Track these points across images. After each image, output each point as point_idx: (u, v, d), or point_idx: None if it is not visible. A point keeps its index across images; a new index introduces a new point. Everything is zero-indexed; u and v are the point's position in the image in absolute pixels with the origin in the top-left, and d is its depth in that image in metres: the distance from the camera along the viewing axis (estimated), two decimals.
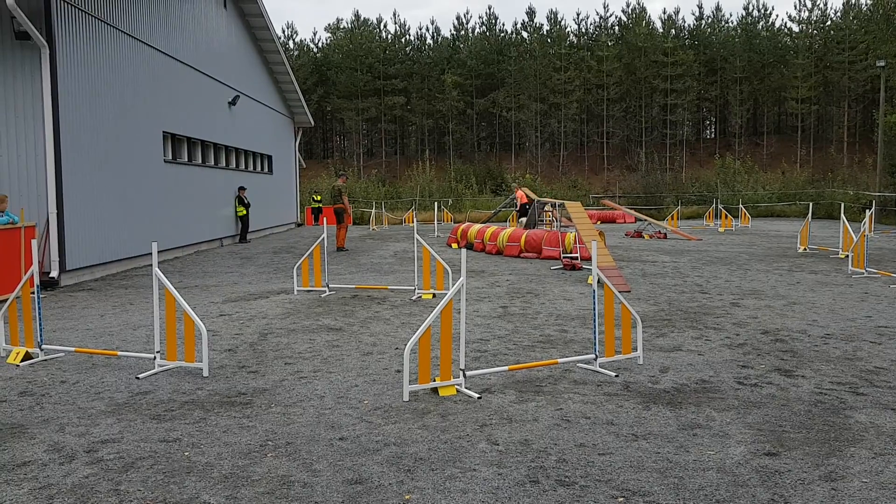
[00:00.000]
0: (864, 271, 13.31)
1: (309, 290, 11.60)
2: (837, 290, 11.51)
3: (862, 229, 13.74)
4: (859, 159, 53.75)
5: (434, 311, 5.75)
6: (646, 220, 25.74)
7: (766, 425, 5.05)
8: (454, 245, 20.52)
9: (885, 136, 35.20)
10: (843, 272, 13.72)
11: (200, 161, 20.21)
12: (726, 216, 29.63)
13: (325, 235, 11.80)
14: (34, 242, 6.82)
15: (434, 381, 5.84)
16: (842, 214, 16.42)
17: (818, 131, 68.94)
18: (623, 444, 4.72)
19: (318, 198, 35.41)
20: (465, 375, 5.92)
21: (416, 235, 11.34)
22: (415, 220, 14.12)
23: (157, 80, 16.96)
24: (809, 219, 19.18)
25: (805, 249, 18.18)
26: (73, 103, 13.15)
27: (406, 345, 5.79)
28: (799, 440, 4.75)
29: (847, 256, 14.56)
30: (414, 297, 10.90)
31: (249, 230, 23.39)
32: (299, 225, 32.91)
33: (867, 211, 16.82)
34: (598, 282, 6.61)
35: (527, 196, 23.70)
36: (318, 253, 11.71)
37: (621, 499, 3.92)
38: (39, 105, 12.41)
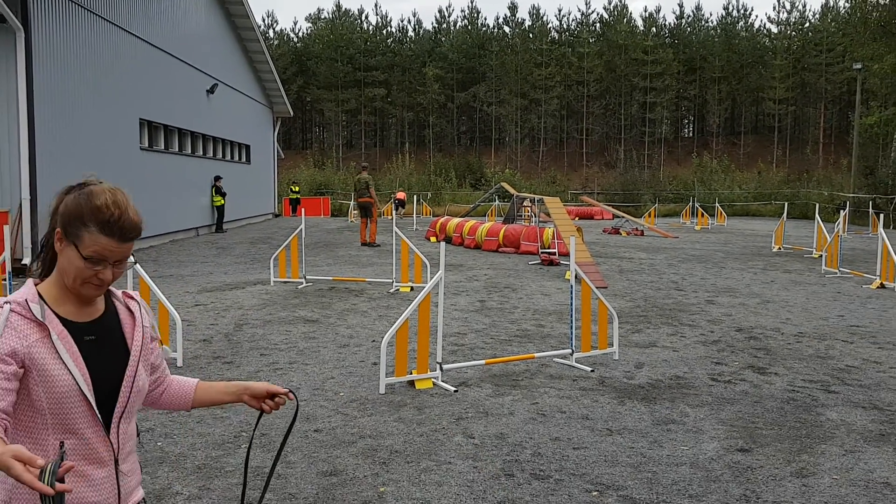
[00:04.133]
0: (837, 271, 13.50)
1: (286, 282, 11.53)
2: (811, 289, 11.66)
3: (836, 230, 13.94)
4: (834, 160, 54.54)
5: (412, 304, 5.75)
6: (623, 217, 25.89)
7: (739, 421, 5.10)
8: (433, 239, 20.49)
9: (860, 138, 35.70)
10: (816, 272, 13.91)
11: (177, 149, 19.98)
12: (703, 214, 29.89)
13: (302, 226, 11.74)
14: (6, 229, 6.71)
15: (411, 373, 5.83)
16: (816, 215, 16.64)
17: (794, 132, 69.78)
18: (598, 438, 4.75)
19: (297, 188, 35.21)
20: (441, 369, 5.93)
21: (394, 228, 11.32)
22: (393, 212, 14.07)
23: (135, 66, 16.74)
24: (784, 218, 19.40)
25: (779, 249, 18.40)
26: (49, 88, 12.94)
27: (383, 337, 5.78)
28: (771, 437, 4.81)
29: (821, 256, 14.76)
30: (392, 290, 10.88)
31: (226, 220, 23.20)
32: (277, 215, 32.70)
33: (841, 211, 17.07)
34: (576, 277, 6.64)
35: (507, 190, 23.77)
36: (296, 244, 11.64)
37: (595, 493, 3.94)
38: (13, 89, 12.19)
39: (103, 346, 1.71)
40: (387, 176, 49.96)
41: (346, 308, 9.43)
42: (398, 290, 10.91)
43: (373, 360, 6.66)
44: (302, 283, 11.39)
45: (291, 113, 32.87)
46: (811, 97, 67.99)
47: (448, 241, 19.36)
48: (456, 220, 20.32)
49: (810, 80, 66.92)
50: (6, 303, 1.63)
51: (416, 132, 74.76)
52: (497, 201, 31.70)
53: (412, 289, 10.91)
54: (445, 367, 6.04)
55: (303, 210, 12.41)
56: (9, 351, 1.58)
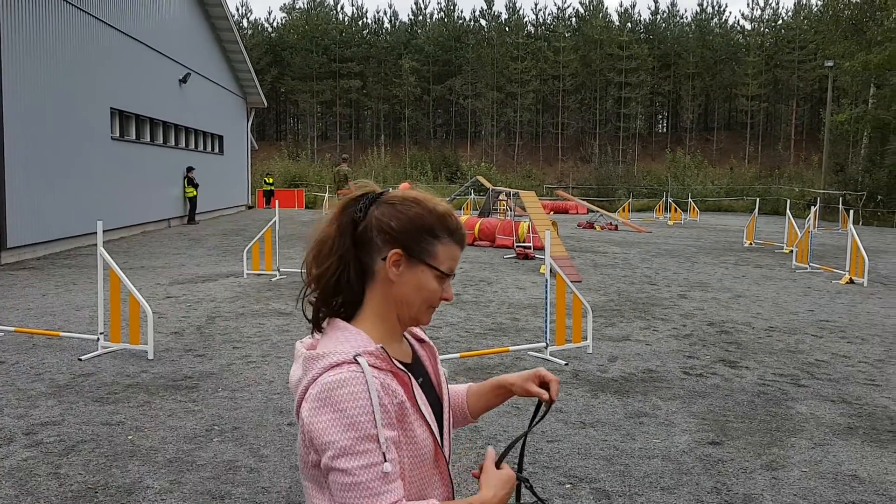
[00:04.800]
0: (807, 266, 13.71)
1: (259, 274, 11.45)
2: (781, 284, 11.83)
3: (806, 226, 14.14)
4: (805, 157, 55.28)
5: None
6: (598, 212, 26.04)
7: (710, 415, 5.16)
8: None
9: (831, 136, 36.20)
10: (787, 267, 14.11)
11: (149, 139, 19.73)
12: (676, 209, 30.16)
13: (276, 218, 11.66)
14: None
15: None
16: (787, 211, 16.87)
17: (767, 128, 70.60)
18: (571, 431, 4.78)
19: (270, 180, 34.95)
20: None
21: None
22: None
23: (106, 55, 16.47)
24: (756, 214, 19.65)
25: (751, 244, 18.64)
26: (17, 76, 12.68)
27: None
28: (742, 430, 4.87)
29: (791, 252, 14.97)
30: None
31: (198, 211, 22.97)
32: (250, 207, 32.44)
33: (812, 208, 17.29)
34: (551, 271, 6.66)
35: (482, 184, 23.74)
36: (269, 236, 11.56)
37: (568, 485, 3.97)
38: None
39: (425, 390, 1.42)
40: (362, 168, 49.72)
41: None
42: None
43: None
44: (275, 275, 11.32)
45: (265, 104, 32.58)
46: (783, 94, 68.82)
47: None
48: None
49: (783, 77, 67.73)
50: (356, 356, 1.29)
51: (392, 125, 74.52)
52: (473, 195, 31.71)
53: None
54: None
55: (276, 202, 12.33)
56: (391, 416, 1.28)
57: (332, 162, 52.86)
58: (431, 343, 1.55)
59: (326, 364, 1.29)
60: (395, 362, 1.33)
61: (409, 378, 1.34)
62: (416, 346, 1.51)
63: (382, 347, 1.32)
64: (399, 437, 1.29)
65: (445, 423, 1.45)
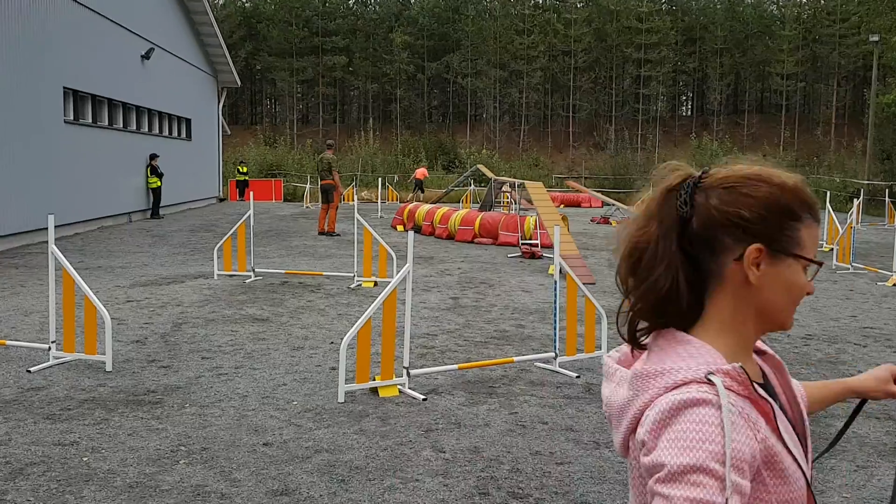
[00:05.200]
0: (849, 266, 13.74)
1: (231, 275, 11.45)
2: (821, 286, 11.85)
3: (849, 220, 14.16)
4: (847, 143, 55.29)
5: (375, 301, 5.74)
6: (614, 205, 26.07)
7: None
8: (400, 227, 20.47)
9: (877, 119, 36.22)
10: (827, 267, 14.13)
11: (107, 123, 19.71)
12: None
13: (251, 212, 11.65)
14: None
15: (374, 379, 5.83)
16: (827, 204, 16.88)
17: (804, 111, 70.70)
18: (583, 452, 4.78)
19: (244, 169, 34.92)
20: (408, 374, 5.93)
21: (356, 215, 11.28)
22: (355, 197, 14.05)
23: (59, 27, 16.45)
24: None
25: None
26: None
27: (342, 339, 5.76)
28: None
29: (832, 250, 15.00)
30: (353, 285, 10.86)
31: (163, 204, 22.95)
32: (222, 200, 32.44)
33: (855, 200, 17.33)
34: (560, 272, 6.67)
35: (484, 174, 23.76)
36: (243, 232, 11.56)
37: None
38: None
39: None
40: (348, 156, 49.74)
41: (301, 305, 9.39)
42: (360, 285, 10.90)
43: (331, 364, 6.64)
44: (250, 276, 11.32)
45: (239, 83, 32.56)
46: (823, 72, 68.92)
47: (417, 230, 19.35)
48: (426, 207, 20.30)
49: (822, 54, 67.82)
50: (709, 375, 1.15)
51: (382, 107, 74.53)
52: (472, 186, 31.74)
53: (376, 284, 10.89)
54: (413, 372, 6.04)
55: (251, 194, 12.34)
56: (746, 457, 1.11)
57: (314, 149, 52.87)
58: (775, 355, 1.41)
59: (669, 382, 1.16)
60: (756, 387, 1.18)
61: (772, 406, 1.20)
62: (758, 360, 1.37)
63: (741, 367, 1.17)
64: (756, 487, 1.16)
65: (809, 455, 1.32)
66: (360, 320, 5.65)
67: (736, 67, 71.45)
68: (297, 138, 65.37)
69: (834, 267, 13.98)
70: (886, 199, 26.92)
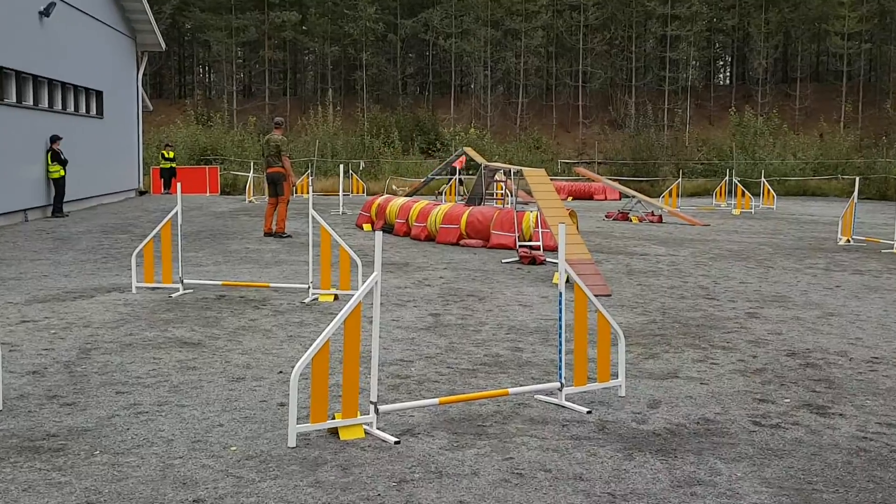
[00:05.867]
0: None
1: (154, 288, 11.39)
2: (891, 297, 11.93)
3: None
4: None
5: (335, 320, 5.72)
6: (634, 198, 26.16)
7: (790, 481, 5.20)
8: (367, 227, 20.44)
9: None
10: None
11: None
12: (744, 193, 30.37)
13: (179, 208, 11.60)
14: None
15: (333, 418, 5.81)
16: None
17: (870, 79, 71.22)
18: None
19: (171, 154, 34.82)
20: (377, 411, 5.91)
21: (311, 211, 11.25)
22: (311, 189, 14.01)
23: None
24: (855, 199, 19.78)
25: (849, 241, 18.78)
26: None
27: (294, 367, 5.74)
28: (835, 502, 4.91)
29: None
30: (307, 300, 10.83)
31: (67, 199, 22.83)
32: (143, 193, 32.29)
33: None
34: (567, 281, 6.68)
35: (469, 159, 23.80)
36: (169, 234, 11.50)
37: None
38: None
39: None
40: (301, 137, 49.70)
41: (242, 326, 9.35)
42: (316, 299, 10.87)
43: (279, 399, 6.61)
44: (178, 289, 11.27)
45: (164, 46, 32.45)
46: (893, 31, 69.39)
47: (389, 229, 19.33)
48: (400, 201, 20.28)
49: (892, 8, 68.26)
50: None
51: (344, 75, 74.44)
52: (458, 174, 31.74)
53: (337, 298, 10.86)
54: (383, 408, 6.02)
55: (179, 185, 12.27)
56: None
57: (258, 128, 52.71)
58: None
59: None
60: None
61: None
62: None
63: None
64: None
65: None
66: (315, 343, 5.62)
67: (785, 25, 71.81)
68: (237, 115, 65.21)
69: None
70: None
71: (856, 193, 20.50)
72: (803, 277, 13.70)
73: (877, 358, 8.36)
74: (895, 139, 48.24)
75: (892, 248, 17.38)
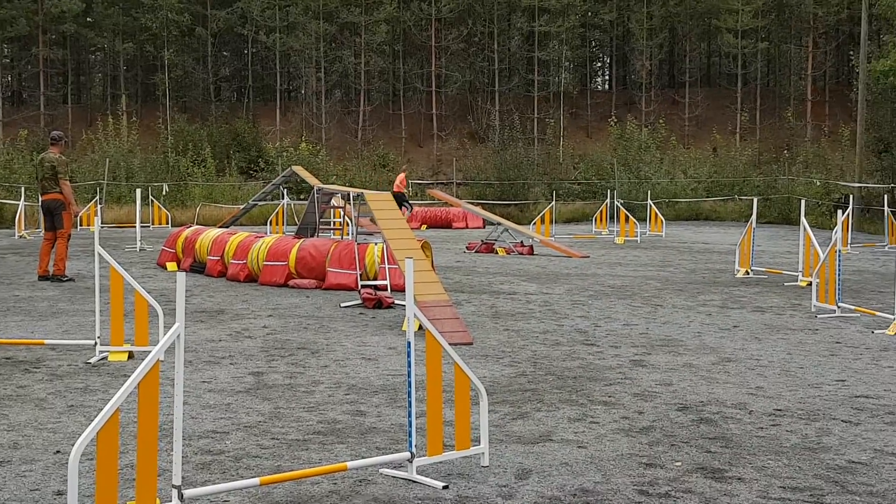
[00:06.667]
0: (835, 308, 14.37)
1: None
2: (795, 338, 12.36)
3: (833, 240, 14.79)
4: (830, 129, 58.07)
5: (126, 384, 5.58)
6: (500, 225, 26.45)
7: None
8: (171, 266, 20.09)
9: (869, 94, 37.85)
10: (803, 309, 14.78)
11: None
12: (627, 219, 30.98)
13: None
14: None
15: None
16: (802, 217, 17.66)
17: (768, 83, 74.03)
18: None
19: None
20: (181, 497, 5.79)
21: (97, 248, 10.99)
22: (98, 219, 13.70)
23: None
24: (754, 224, 20.43)
25: (747, 273, 19.40)
26: None
27: (74, 445, 5.57)
28: None
29: (810, 285, 15.63)
30: (94, 359, 10.56)
31: None
32: None
33: (840, 212, 18.09)
34: (419, 328, 6.71)
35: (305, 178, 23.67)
36: None
37: None
38: None
39: None
40: (87, 155, 48.59)
41: (8, 395, 9.05)
42: (105, 358, 10.63)
43: (55, 486, 6.41)
44: None
45: None
46: (793, 29, 72.33)
47: (199, 268, 19.05)
48: (213, 233, 20.02)
49: (791, 2, 71.03)
50: None
51: (141, 78, 73.31)
52: (286, 199, 31.55)
53: (132, 356, 10.63)
54: (188, 493, 5.90)
55: None
56: None
57: (31, 145, 51.26)
58: None
59: None
60: None
61: None
62: None
63: None
64: None
65: None
66: (101, 413, 5.47)
67: (671, 20, 74.01)
68: (3, 128, 63.31)
69: (814, 309, 14.63)
70: (885, 208, 27.98)
71: (754, 217, 21.11)
72: (696, 317, 14.08)
73: (780, 410, 8.62)
74: (798, 153, 49.90)
75: (797, 281, 17.99)
